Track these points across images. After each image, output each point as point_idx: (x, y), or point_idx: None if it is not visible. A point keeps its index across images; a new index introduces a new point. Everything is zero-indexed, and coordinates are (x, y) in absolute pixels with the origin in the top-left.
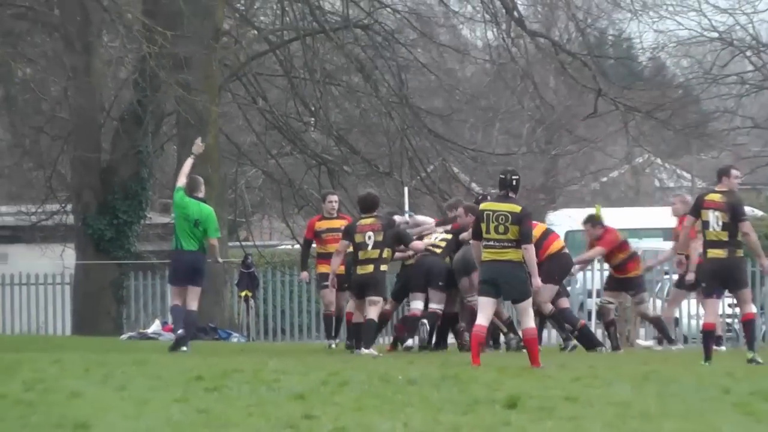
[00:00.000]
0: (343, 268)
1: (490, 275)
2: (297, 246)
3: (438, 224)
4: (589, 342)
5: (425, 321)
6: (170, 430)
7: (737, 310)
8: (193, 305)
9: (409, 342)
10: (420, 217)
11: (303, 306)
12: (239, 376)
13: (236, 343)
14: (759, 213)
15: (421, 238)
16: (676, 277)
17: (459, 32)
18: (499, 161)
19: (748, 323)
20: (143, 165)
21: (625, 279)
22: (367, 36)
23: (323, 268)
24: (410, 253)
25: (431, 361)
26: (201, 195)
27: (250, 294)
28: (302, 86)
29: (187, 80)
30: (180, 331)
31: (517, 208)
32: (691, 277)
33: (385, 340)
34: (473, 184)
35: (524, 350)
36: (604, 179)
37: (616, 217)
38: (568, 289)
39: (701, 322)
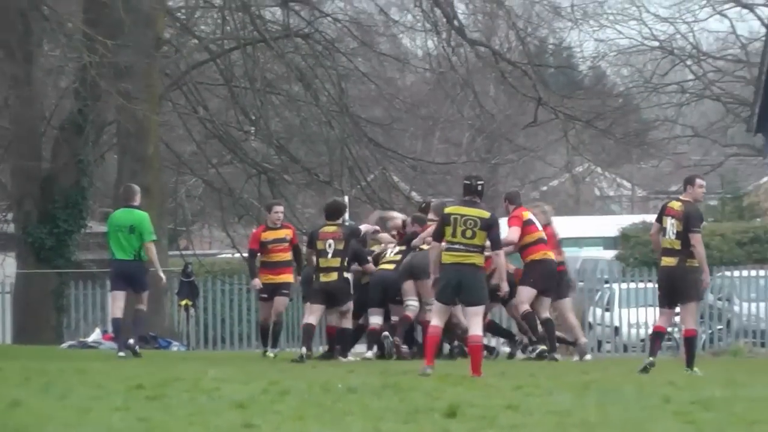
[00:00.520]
0: (291, 276)
1: (453, 278)
2: (237, 255)
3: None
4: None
5: (388, 334)
6: None
7: (677, 319)
8: (142, 306)
9: (369, 354)
10: (384, 236)
11: (243, 315)
12: (180, 385)
13: (176, 352)
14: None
15: (377, 258)
16: (616, 285)
17: (399, 41)
18: (438, 170)
19: (688, 339)
20: (84, 174)
21: None
22: (307, 45)
23: (263, 278)
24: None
25: (372, 370)
26: (136, 204)
27: (190, 303)
28: (243, 95)
29: (127, 89)
30: (130, 341)
31: (486, 214)
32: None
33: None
34: (413, 193)
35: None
36: (544, 188)
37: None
38: None
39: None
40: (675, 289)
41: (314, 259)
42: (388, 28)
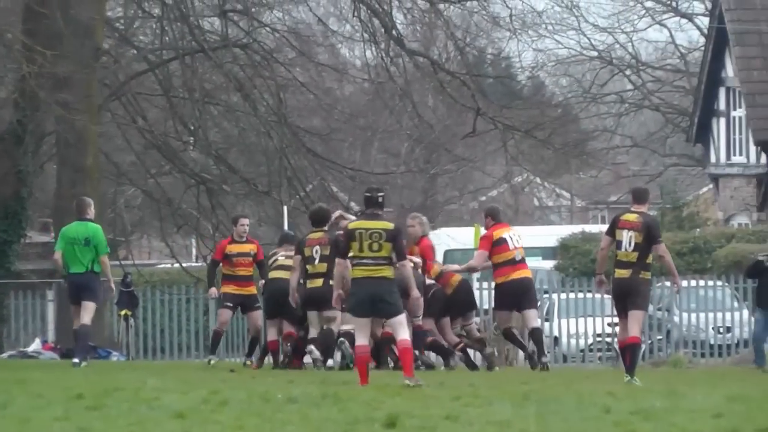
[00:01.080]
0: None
1: (367, 292)
2: (176, 265)
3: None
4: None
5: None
6: None
7: (617, 329)
8: (86, 319)
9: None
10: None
11: (182, 325)
12: (120, 395)
13: (116, 362)
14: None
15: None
16: (555, 296)
17: (338, 51)
18: (377, 180)
19: (630, 346)
20: (23, 184)
21: None
22: (246, 55)
23: (228, 289)
24: None
25: (312, 380)
26: (89, 217)
27: (129, 313)
28: (181, 105)
29: (66, 100)
30: (75, 360)
31: (390, 226)
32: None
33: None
34: (352, 203)
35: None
36: (483, 198)
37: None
38: None
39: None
40: (627, 299)
41: (302, 266)
42: (326, 39)
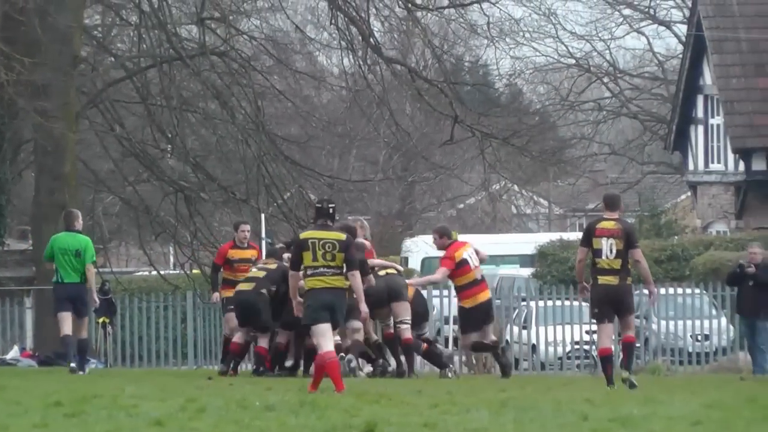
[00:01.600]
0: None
1: (325, 300)
2: (154, 272)
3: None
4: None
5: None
6: None
7: (595, 336)
8: (83, 333)
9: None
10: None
11: (160, 332)
12: (98, 402)
13: (94, 369)
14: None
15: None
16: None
17: (315, 59)
18: (355, 188)
19: (628, 345)
20: (1, 192)
21: None
22: (223, 63)
23: (229, 293)
24: None
25: (289, 387)
26: (77, 228)
27: (107, 320)
28: (159, 113)
29: (44, 107)
30: (73, 363)
31: (342, 236)
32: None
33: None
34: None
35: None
36: (461, 206)
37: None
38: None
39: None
40: (620, 305)
41: None
42: (304, 46)
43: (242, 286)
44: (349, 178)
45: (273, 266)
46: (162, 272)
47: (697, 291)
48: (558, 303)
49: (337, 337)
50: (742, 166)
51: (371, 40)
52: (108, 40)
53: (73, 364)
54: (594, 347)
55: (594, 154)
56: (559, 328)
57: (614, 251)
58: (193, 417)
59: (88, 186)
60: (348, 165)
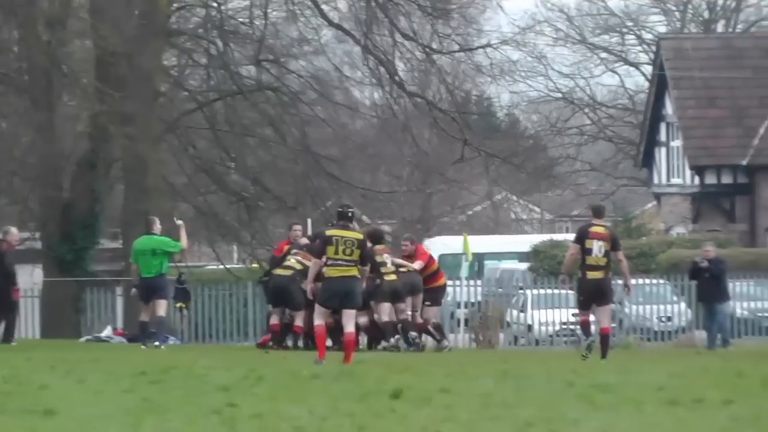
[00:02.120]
0: None
1: (337, 288)
2: (221, 266)
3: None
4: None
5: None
6: (121, 416)
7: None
8: (161, 312)
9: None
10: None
11: (226, 315)
12: (176, 372)
13: (173, 345)
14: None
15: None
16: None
17: (351, 93)
18: (383, 198)
19: (605, 336)
20: (97, 201)
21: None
22: (276, 96)
23: None
24: None
25: (331, 360)
26: (156, 231)
27: (184, 305)
28: (224, 137)
29: (131, 133)
30: (156, 343)
31: (360, 236)
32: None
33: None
34: (364, 217)
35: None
36: (470, 212)
37: (480, 243)
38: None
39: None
40: (600, 296)
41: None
42: (342, 83)
43: (279, 272)
44: (378, 190)
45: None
46: (227, 266)
47: (662, 281)
48: (549, 291)
49: (364, 318)
50: (697, 180)
51: (396, 77)
52: (182, 77)
53: (143, 347)
54: (577, 327)
55: (577, 170)
56: (550, 311)
57: (603, 251)
58: (253, 384)
59: (167, 196)
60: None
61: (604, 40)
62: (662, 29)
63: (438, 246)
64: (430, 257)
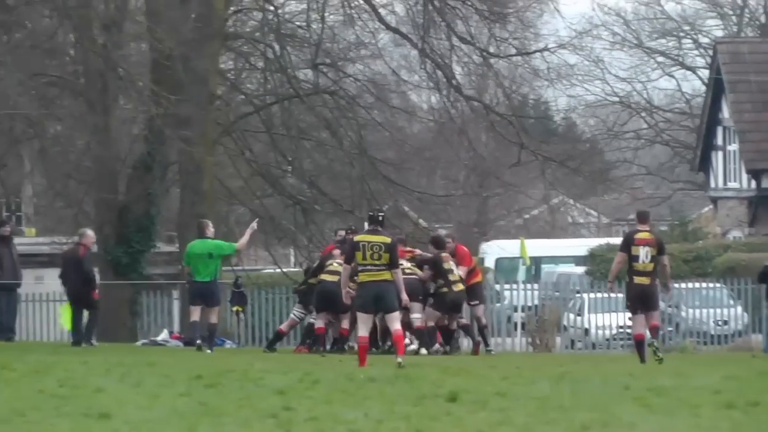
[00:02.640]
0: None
1: (372, 293)
2: (278, 270)
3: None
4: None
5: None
6: (176, 420)
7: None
8: (212, 319)
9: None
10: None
11: (283, 318)
12: (232, 375)
13: (229, 349)
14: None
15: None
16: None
17: (408, 97)
18: (440, 201)
19: (655, 327)
20: (152, 204)
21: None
22: (333, 100)
23: None
24: None
25: (387, 363)
26: (209, 235)
27: (240, 309)
28: (281, 141)
29: (187, 136)
30: (198, 341)
31: (388, 240)
32: None
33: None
34: (420, 220)
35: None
36: (527, 216)
37: (537, 247)
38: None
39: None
40: (647, 301)
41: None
42: (398, 86)
43: (326, 277)
44: (434, 193)
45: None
46: (284, 270)
47: (718, 285)
48: (606, 295)
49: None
50: (753, 184)
51: (453, 81)
52: (239, 81)
53: (198, 341)
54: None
55: (634, 174)
56: (606, 315)
57: (649, 257)
58: (309, 387)
59: (223, 199)
60: (434, 183)
61: (660, 44)
62: (719, 33)
63: (495, 250)
64: (470, 257)
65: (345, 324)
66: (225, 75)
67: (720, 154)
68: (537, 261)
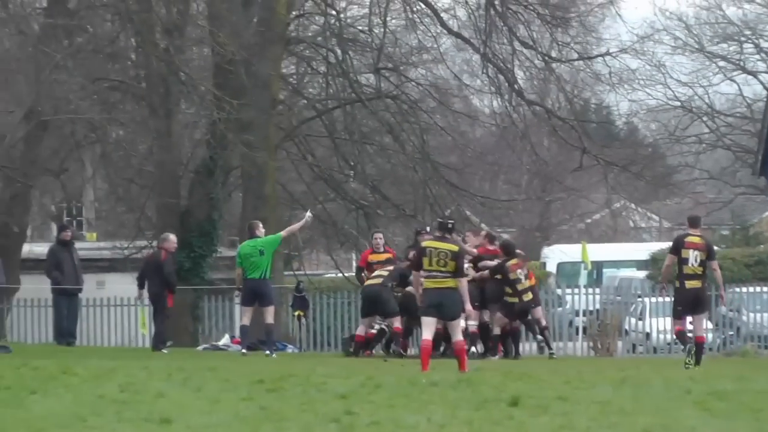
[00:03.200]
0: None
1: (434, 299)
2: (340, 274)
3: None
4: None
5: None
6: (238, 424)
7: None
8: (269, 320)
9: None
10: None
11: (345, 323)
12: (293, 380)
13: (291, 353)
14: (715, 248)
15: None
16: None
17: (470, 101)
18: (502, 206)
19: (699, 345)
20: (214, 209)
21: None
22: (395, 104)
23: None
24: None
25: (449, 367)
26: (258, 235)
27: (302, 313)
28: (343, 145)
29: (249, 140)
30: (246, 348)
31: (455, 248)
32: None
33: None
34: (483, 225)
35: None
36: (589, 221)
37: (599, 251)
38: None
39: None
40: (697, 304)
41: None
42: (461, 91)
43: (370, 281)
44: (497, 198)
45: (391, 268)
46: (346, 274)
47: None
48: (667, 299)
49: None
50: None
51: (515, 86)
52: (301, 85)
53: (244, 351)
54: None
55: (695, 179)
56: (668, 319)
57: (699, 261)
58: (371, 392)
59: (285, 204)
60: (496, 187)
61: (722, 49)
62: None
63: (557, 254)
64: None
65: (397, 323)
66: (287, 79)
67: None
68: (599, 265)
